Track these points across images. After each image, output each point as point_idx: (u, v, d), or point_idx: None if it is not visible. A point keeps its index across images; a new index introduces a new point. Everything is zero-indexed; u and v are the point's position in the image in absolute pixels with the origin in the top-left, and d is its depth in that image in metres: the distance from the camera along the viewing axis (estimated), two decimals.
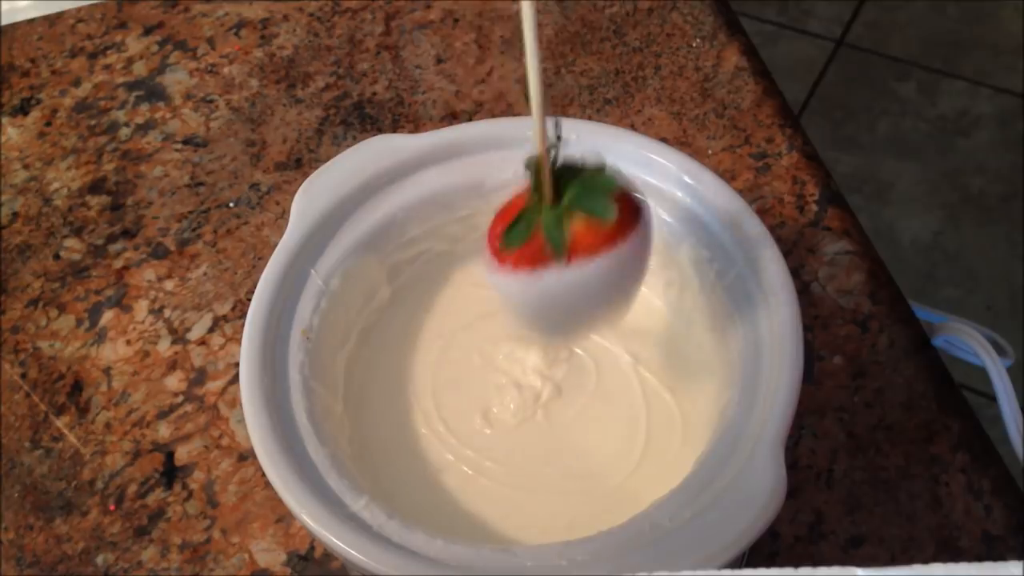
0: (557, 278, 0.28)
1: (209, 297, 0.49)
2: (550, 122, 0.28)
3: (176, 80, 0.58)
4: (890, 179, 1.34)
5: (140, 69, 0.59)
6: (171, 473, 0.43)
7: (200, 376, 0.46)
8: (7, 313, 0.49)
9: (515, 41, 0.58)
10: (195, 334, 0.48)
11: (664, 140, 0.47)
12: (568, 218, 0.28)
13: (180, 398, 0.46)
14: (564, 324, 0.32)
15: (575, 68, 0.56)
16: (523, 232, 0.29)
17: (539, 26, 0.53)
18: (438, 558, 0.30)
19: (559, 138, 0.28)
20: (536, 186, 0.28)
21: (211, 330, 0.48)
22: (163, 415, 0.45)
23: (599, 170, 0.29)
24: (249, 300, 0.35)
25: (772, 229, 0.38)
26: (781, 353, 0.32)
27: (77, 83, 0.59)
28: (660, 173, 0.38)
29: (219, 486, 0.43)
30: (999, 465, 0.41)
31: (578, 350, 0.38)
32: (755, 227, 0.35)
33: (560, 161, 0.29)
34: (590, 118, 0.54)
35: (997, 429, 0.44)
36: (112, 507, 0.43)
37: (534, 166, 0.28)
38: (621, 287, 0.30)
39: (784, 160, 0.51)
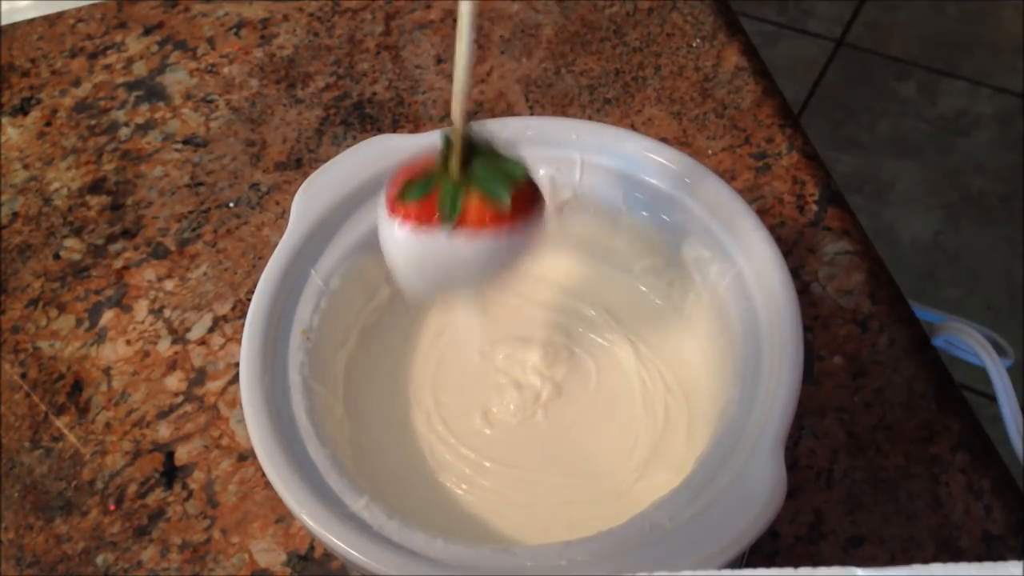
0: (436, 241, 0.30)
1: (209, 297, 0.49)
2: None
3: (176, 80, 0.58)
4: (890, 179, 1.34)
5: (140, 69, 0.59)
6: (171, 473, 0.43)
7: (200, 376, 0.46)
8: (7, 313, 0.49)
9: (515, 41, 0.58)
10: (195, 334, 0.48)
11: (664, 140, 0.47)
12: (465, 192, 0.30)
13: (180, 398, 0.46)
14: (430, 283, 0.33)
15: (575, 68, 0.56)
16: (421, 190, 0.30)
17: (537, 26, 0.53)
18: (438, 558, 0.30)
19: (474, 115, 0.30)
20: (445, 155, 0.30)
21: (211, 330, 0.48)
22: (163, 415, 0.45)
23: (509, 158, 0.31)
24: (249, 300, 0.35)
25: (772, 229, 0.38)
26: (781, 353, 0.32)
27: (77, 83, 0.59)
28: (660, 173, 0.38)
29: (219, 486, 0.43)
30: (999, 465, 0.41)
31: (578, 350, 0.39)
32: (755, 227, 0.35)
33: (476, 139, 0.30)
34: (590, 118, 0.54)
35: (997, 429, 0.44)
36: (112, 507, 0.43)
37: (447, 137, 0.30)
38: (493, 268, 0.32)
39: (784, 160, 0.51)
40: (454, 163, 0.30)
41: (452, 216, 0.30)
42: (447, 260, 0.31)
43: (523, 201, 0.31)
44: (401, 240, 0.31)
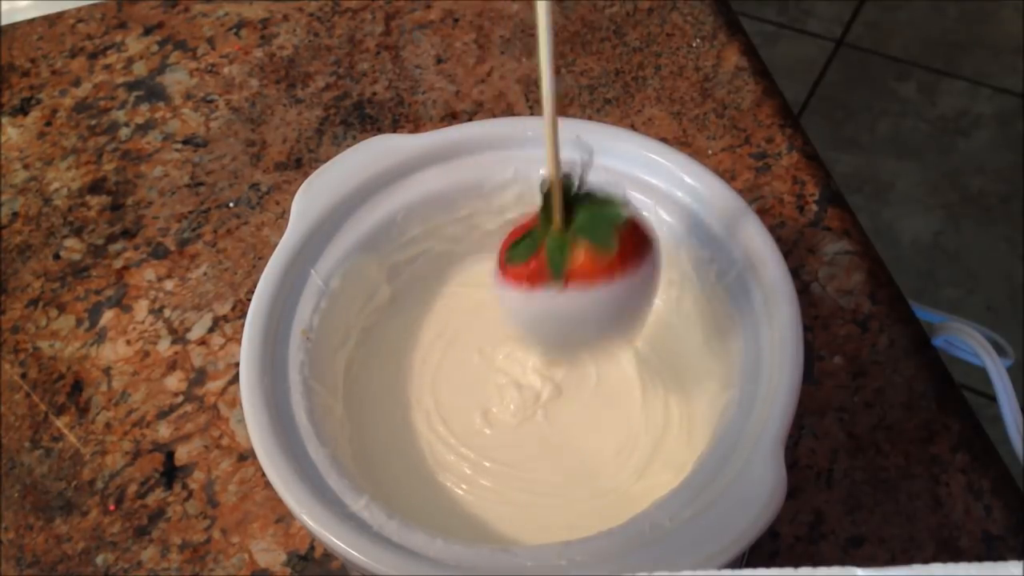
0: (551, 300, 0.29)
1: (209, 297, 0.49)
2: (574, 146, 0.29)
3: (176, 80, 0.58)
4: (890, 179, 1.34)
5: (140, 69, 0.59)
6: (171, 473, 0.43)
7: (200, 376, 0.46)
8: (7, 313, 0.49)
9: (515, 41, 0.58)
10: (195, 334, 0.48)
11: (664, 140, 0.47)
12: (572, 244, 0.29)
13: (180, 398, 0.46)
14: (557, 342, 0.33)
15: (575, 68, 0.56)
16: (526, 250, 0.30)
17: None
18: (438, 558, 0.30)
19: (587, 160, 0.29)
20: (545, 209, 0.29)
21: (211, 330, 0.48)
22: (163, 415, 0.45)
23: (611, 200, 0.30)
24: (249, 300, 0.35)
25: (772, 229, 0.38)
26: (781, 353, 0.32)
27: (77, 83, 0.59)
28: (660, 173, 0.38)
29: (219, 486, 0.43)
30: (999, 465, 0.41)
31: None
32: (755, 227, 0.35)
33: (578, 187, 0.29)
34: (590, 118, 0.54)
35: (997, 429, 0.44)
36: (112, 507, 0.43)
37: (546, 189, 0.29)
38: (617, 318, 0.31)
39: (784, 160, 0.51)
40: (556, 214, 0.29)
41: (559, 273, 0.29)
42: (565, 316, 0.30)
43: (633, 244, 0.30)
44: (513, 302, 0.30)
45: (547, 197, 0.29)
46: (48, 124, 0.57)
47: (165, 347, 0.47)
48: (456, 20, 0.59)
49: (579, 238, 0.29)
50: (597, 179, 0.30)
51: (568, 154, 0.39)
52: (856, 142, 1.38)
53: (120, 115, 0.57)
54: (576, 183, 0.30)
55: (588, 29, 0.58)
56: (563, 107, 0.54)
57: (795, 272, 0.46)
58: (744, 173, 0.51)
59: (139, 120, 0.57)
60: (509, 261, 0.30)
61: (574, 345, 0.34)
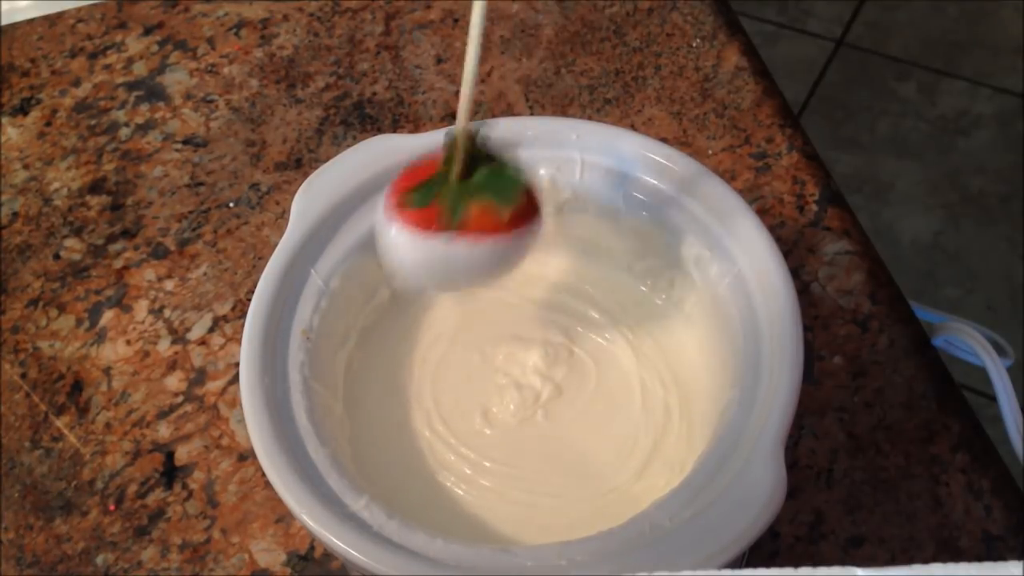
0: (436, 247, 0.31)
1: (209, 297, 0.49)
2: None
3: (176, 80, 0.58)
4: (890, 179, 1.34)
5: (140, 69, 0.59)
6: (171, 473, 0.43)
7: (200, 376, 0.46)
8: (7, 313, 0.49)
9: (515, 41, 0.58)
10: (195, 334, 0.48)
11: (664, 140, 0.47)
12: (467, 199, 0.31)
13: (180, 398, 0.46)
14: (430, 282, 0.35)
15: (575, 68, 0.56)
16: (425, 196, 0.31)
17: (537, 27, 0.53)
18: (438, 558, 0.30)
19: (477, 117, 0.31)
20: (449, 159, 0.31)
21: (211, 330, 0.48)
22: (163, 415, 0.45)
23: (510, 163, 0.31)
24: (249, 300, 0.35)
25: (772, 229, 0.38)
26: (781, 353, 0.32)
27: (77, 83, 0.59)
28: (660, 173, 0.38)
29: (219, 486, 0.43)
30: (999, 465, 0.41)
31: (577, 350, 0.38)
32: (755, 227, 0.35)
33: (478, 145, 0.31)
34: (590, 118, 0.54)
35: (997, 429, 0.44)
36: (112, 507, 0.43)
37: (452, 140, 0.31)
38: (492, 271, 0.33)
39: (784, 160, 0.51)
40: (456, 169, 0.31)
41: (453, 224, 0.30)
42: (445, 264, 0.31)
43: (522, 208, 0.31)
44: (401, 244, 0.31)
45: (451, 150, 0.31)
46: (48, 124, 0.57)
47: (165, 347, 0.47)
48: (456, 20, 0.59)
49: (476, 195, 0.31)
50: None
51: (563, 152, 0.39)
52: (856, 142, 1.38)
53: (120, 115, 0.57)
54: (486, 143, 0.31)
55: (588, 29, 0.58)
56: (563, 107, 0.54)
57: (795, 272, 0.46)
58: (744, 173, 0.51)
59: (139, 120, 0.57)
60: (406, 204, 0.31)
61: (443, 286, 0.36)
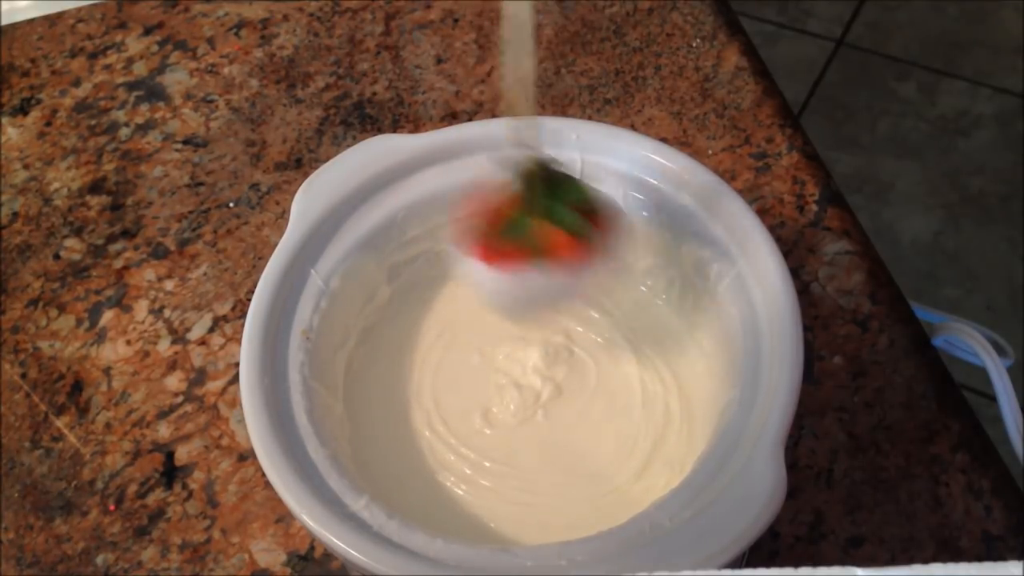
0: (532, 281, 0.32)
1: (209, 297, 0.49)
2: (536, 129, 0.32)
3: (176, 80, 0.58)
4: (890, 179, 1.34)
5: (140, 69, 0.59)
6: (171, 473, 0.43)
7: (200, 376, 0.46)
8: (7, 313, 0.49)
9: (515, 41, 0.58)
10: (195, 334, 0.48)
11: (664, 140, 0.47)
12: (549, 228, 0.31)
13: (180, 398, 0.46)
14: (522, 310, 0.36)
15: (575, 68, 0.56)
16: (509, 234, 0.31)
17: (537, 27, 0.53)
18: (438, 558, 0.30)
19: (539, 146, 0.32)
20: (525, 192, 0.31)
21: (211, 330, 0.48)
22: (163, 415, 0.45)
23: (577, 183, 0.32)
24: (249, 300, 0.35)
25: (772, 229, 0.38)
26: (781, 353, 0.32)
27: (77, 83, 0.59)
28: (660, 173, 0.38)
29: (219, 486, 0.43)
30: (999, 465, 0.41)
31: (578, 350, 0.38)
32: (755, 227, 0.35)
33: (544, 169, 0.32)
34: (590, 118, 0.54)
35: (997, 429, 0.44)
36: (112, 507, 0.43)
37: (525, 176, 0.32)
38: (577, 290, 0.34)
39: (784, 160, 0.51)
40: (535, 201, 0.31)
41: (541, 258, 0.31)
42: (539, 291, 0.32)
43: (602, 225, 0.32)
44: (494, 283, 0.32)
45: (526, 181, 0.32)
46: (48, 124, 0.57)
47: (165, 347, 0.47)
48: (456, 20, 0.59)
49: (557, 223, 0.31)
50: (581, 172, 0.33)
51: (563, 152, 0.39)
52: (856, 142, 1.38)
53: (120, 115, 0.57)
54: (554, 167, 0.32)
55: (588, 29, 0.58)
56: (563, 107, 0.54)
57: (795, 272, 0.46)
58: (744, 173, 0.50)
59: (139, 120, 0.57)
60: (492, 247, 0.32)
61: (532, 311, 0.37)
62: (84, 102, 0.58)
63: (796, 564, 0.19)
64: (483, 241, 0.32)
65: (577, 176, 0.33)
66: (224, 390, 0.46)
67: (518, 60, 0.30)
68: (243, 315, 0.36)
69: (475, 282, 0.33)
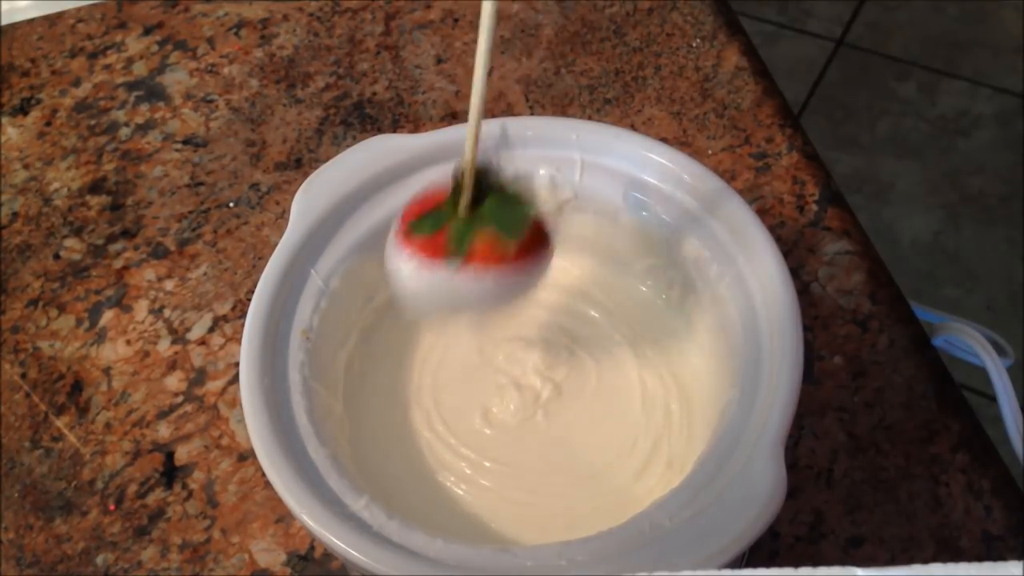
0: (442, 277, 0.31)
1: (209, 297, 0.49)
2: (487, 128, 0.31)
3: (176, 80, 0.58)
4: (890, 179, 1.34)
5: (140, 69, 0.59)
6: (171, 473, 0.43)
7: (200, 376, 0.46)
8: (7, 313, 0.49)
9: (515, 41, 0.58)
10: (195, 334, 0.48)
11: (664, 140, 0.47)
12: (474, 231, 0.30)
13: (180, 398, 0.46)
14: (432, 310, 0.34)
15: (575, 68, 0.56)
16: (431, 225, 0.31)
17: (537, 27, 0.53)
18: (438, 558, 0.30)
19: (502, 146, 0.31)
20: (456, 189, 0.31)
21: (211, 330, 0.48)
22: (163, 415, 0.45)
23: (519, 195, 0.31)
24: (249, 300, 0.35)
25: (772, 229, 0.38)
26: (781, 353, 0.32)
27: (77, 83, 0.59)
28: (660, 173, 0.38)
29: (219, 486, 0.43)
30: (999, 465, 0.41)
31: (578, 350, 0.38)
32: (755, 227, 0.35)
33: (487, 175, 0.31)
34: (590, 118, 0.54)
35: (997, 429, 0.44)
36: (112, 507, 0.43)
37: (459, 173, 0.31)
38: (497, 302, 0.32)
39: (784, 160, 0.51)
40: (464, 201, 0.31)
41: (459, 255, 0.30)
42: (449, 293, 0.31)
43: (530, 242, 0.31)
44: (407, 272, 0.31)
45: (459, 181, 0.31)
46: (48, 124, 0.57)
47: (165, 347, 0.47)
48: (456, 20, 0.59)
49: (483, 227, 0.30)
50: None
51: (563, 152, 0.39)
52: (856, 142, 1.38)
53: (120, 115, 0.57)
54: (495, 173, 0.31)
55: (588, 29, 0.58)
56: (563, 107, 0.54)
57: (795, 272, 0.46)
58: (744, 173, 0.51)
59: (139, 120, 0.57)
60: (411, 230, 0.31)
61: (448, 314, 0.36)
62: (84, 102, 0.58)
63: (796, 564, 0.19)
64: (405, 225, 0.31)
65: (541, 182, 0.33)
66: (224, 390, 0.46)
67: (477, 62, 0.30)
68: (243, 315, 0.36)
69: (393, 269, 0.32)
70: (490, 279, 0.31)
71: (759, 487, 0.30)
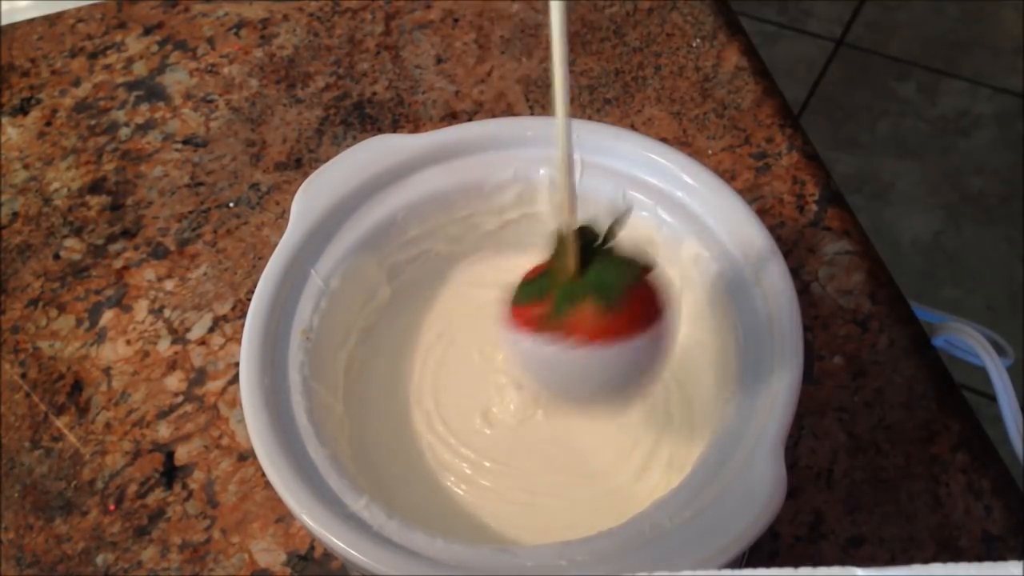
0: (547, 349, 0.28)
1: (209, 297, 0.49)
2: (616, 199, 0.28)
3: (176, 80, 0.58)
4: (890, 179, 1.34)
5: (140, 69, 0.59)
6: (171, 473, 0.43)
7: (200, 376, 0.46)
8: (7, 313, 0.49)
9: (515, 41, 0.58)
10: (195, 334, 0.48)
11: (664, 140, 0.47)
12: (578, 297, 0.28)
13: (180, 398, 0.46)
14: (555, 390, 0.32)
15: (575, 68, 0.56)
16: (534, 294, 0.29)
17: (537, 26, 0.53)
18: (438, 558, 0.30)
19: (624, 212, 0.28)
20: (557, 256, 0.28)
21: (211, 330, 0.48)
22: (163, 415, 0.45)
23: (630, 258, 0.28)
24: (249, 300, 0.35)
25: (772, 229, 0.38)
26: (781, 353, 0.32)
27: (77, 83, 0.59)
28: (660, 173, 0.38)
29: (219, 486, 0.43)
30: (999, 465, 0.41)
31: None
32: (755, 227, 0.35)
33: (591, 236, 0.28)
34: (590, 118, 0.54)
35: (997, 429, 0.44)
36: (112, 507, 0.43)
37: (557, 237, 0.28)
38: (618, 378, 0.29)
39: (784, 160, 0.51)
40: (570, 262, 0.28)
41: (560, 324, 0.28)
42: (562, 367, 0.29)
43: (641, 306, 0.28)
44: (511, 342, 0.29)
45: (560, 243, 0.28)
46: (48, 124, 0.57)
47: (165, 347, 0.47)
48: (456, 20, 0.59)
49: (587, 293, 0.28)
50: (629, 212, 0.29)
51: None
52: (856, 142, 1.38)
53: (120, 115, 0.57)
54: (601, 234, 0.28)
55: (588, 29, 0.58)
56: None
57: (795, 272, 0.46)
58: (744, 173, 0.51)
59: (139, 120, 0.57)
60: (516, 300, 0.29)
61: (573, 397, 0.32)
62: (84, 102, 0.58)
63: (796, 564, 0.19)
64: (507, 299, 0.29)
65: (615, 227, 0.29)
66: (224, 390, 0.46)
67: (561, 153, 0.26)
68: (243, 315, 0.36)
69: (503, 343, 0.29)
70: (600, 350, 0.27)
71: (759, 487, 0.30)
